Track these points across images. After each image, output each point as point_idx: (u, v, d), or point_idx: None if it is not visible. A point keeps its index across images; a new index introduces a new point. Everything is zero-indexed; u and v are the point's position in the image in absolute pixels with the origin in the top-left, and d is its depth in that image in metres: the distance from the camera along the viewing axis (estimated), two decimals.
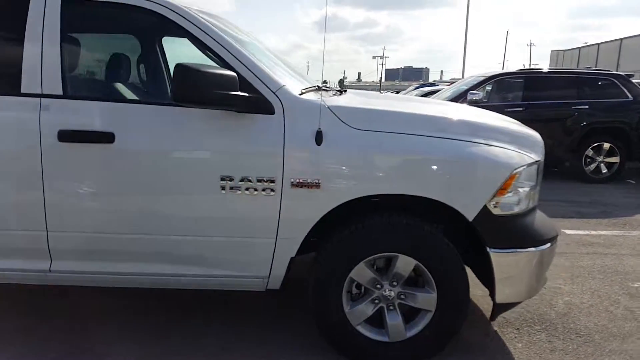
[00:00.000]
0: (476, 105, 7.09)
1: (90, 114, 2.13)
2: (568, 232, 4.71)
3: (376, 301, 2.31)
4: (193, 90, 1.93)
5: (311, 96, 2.28)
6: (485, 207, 2.16)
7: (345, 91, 2.88)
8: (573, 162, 7.24)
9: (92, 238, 2.21)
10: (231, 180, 2.12)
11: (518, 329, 2.76)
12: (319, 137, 2.12)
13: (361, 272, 2.25)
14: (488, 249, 2.21)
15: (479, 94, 7.09)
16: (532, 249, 2.28)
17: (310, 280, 2.29)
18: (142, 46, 2.48)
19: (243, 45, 2.34)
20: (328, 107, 2.20)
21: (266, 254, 2.22)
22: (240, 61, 2.17)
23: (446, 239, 2.23)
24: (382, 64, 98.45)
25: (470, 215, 2.17)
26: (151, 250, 2.23)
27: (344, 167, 2.15)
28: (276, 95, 2.16)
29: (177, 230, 2.20)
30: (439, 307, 2.26)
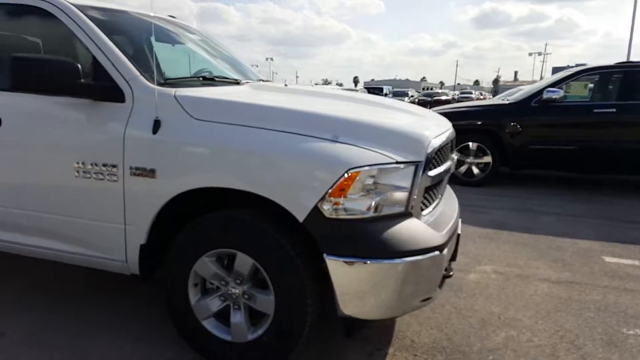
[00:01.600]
0: (554, 105, 6.11)
1: None
2: (607, 259, 3.84)
3: (222, 298, 2.24)
4: (28, 79, 2.12)
5: (169, 87, 2.29)
6: (316, 208, 1.94)
7: (240, 82, 2.82)
8: None
9: None
10: (83, 164, 2.27)
11: (416, 355, 2.38)
12: (155, 126, 2.15)
13: (204, 267, 2.20)
14: (325, 255, 1.98)
15: (558, 92, 6.05)
16: (397, 260, 1.97)
17: (164, 269, 2.32)
18: (37, 40, 2.78)
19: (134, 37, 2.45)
20: (175, 96, 2.20)
21: (119, 239, 2.31)
22: (101, 50, 2.30)
23: (283, 240, 2.06)
24: (543, 62, 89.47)
25: (300, 216, 1.98)
26: (32, 225, 2.49)
27: (177, 157, 2.13)
28: (129, 84, 2.24)
29: (48, 208, 2.42)
30: (276, 311, 2.10)
